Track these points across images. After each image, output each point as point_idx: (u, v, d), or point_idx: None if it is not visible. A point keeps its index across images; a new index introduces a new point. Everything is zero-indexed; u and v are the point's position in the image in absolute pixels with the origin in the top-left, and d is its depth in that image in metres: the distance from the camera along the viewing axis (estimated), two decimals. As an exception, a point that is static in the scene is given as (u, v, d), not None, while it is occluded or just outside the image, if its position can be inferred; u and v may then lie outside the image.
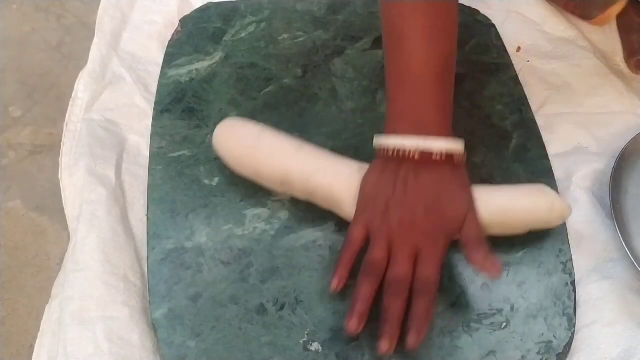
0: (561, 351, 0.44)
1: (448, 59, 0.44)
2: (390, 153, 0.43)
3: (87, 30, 0.65)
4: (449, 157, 0.42)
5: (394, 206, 0.42)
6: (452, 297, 0.46)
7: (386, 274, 0.41)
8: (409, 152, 0.42)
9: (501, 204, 0.45)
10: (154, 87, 0.59)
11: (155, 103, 0.57)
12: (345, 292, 0.46)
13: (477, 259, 0.41)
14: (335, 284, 0.42)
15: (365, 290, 0.41)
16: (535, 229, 0.48)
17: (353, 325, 0.40)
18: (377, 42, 0.62)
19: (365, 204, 0.43)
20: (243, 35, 0.62)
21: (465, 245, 0.42)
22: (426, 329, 0.40)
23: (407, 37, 0.42)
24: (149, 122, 0.56)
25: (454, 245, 0.45)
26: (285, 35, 0.62)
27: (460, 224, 0.42)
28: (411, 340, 0.40)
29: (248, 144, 0.48)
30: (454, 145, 0.42)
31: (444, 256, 0.42)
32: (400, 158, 0.42)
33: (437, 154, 0.42)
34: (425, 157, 0.42)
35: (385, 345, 0.40)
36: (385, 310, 0.40)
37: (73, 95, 0.59)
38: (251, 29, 0.63)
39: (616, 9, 0.65)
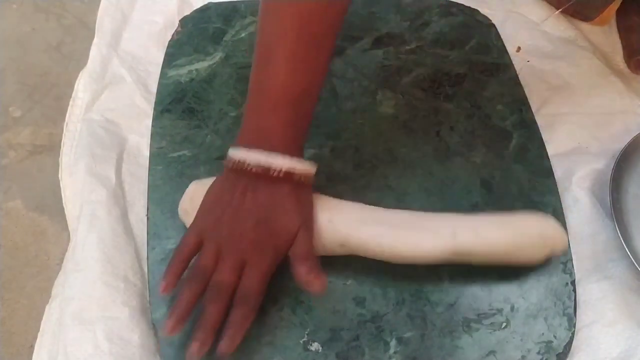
0: (561, 351, 0.44)
1: (308, 89, 0.44)
2: (231, 165, 0.43)
3: (87, 30, 0.65)
4: (288, 175, 0.42)
5: (227, 217, 0.42)
6: (452, 297, 0.46)
7: (210, 280, 0.42)
8: (248, 165, 0.42)
9: (493, 247, 0.45)
10: (154, 87, 0.59)
11: (155, 103, 0.57)
12: (345, 292, 0.46)
13: (300, 272, 0.42)
14: (163, 287, 0.42)
15: (186, 294, 0.41)
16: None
17: (168, 326, 0.40)
18: (377, 42, 0.62)
19: (202, 213, 0.44)
20: (243, 35, 0.62)
21: (292, 261, 0.42)
22: (239, 338, 0.40)
23: (272, 60, 0.43)
24: (149, 122, 0.56)
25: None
26: (285, 35, 0.62)
27: (290, 241, 0.42)
28: (222, 346, 0.40)
29: None
30: (296, 165, 0.43)
31: (269, 270, 0.42)
32: (241, 171, 0.43)
33: (274, 171, 0.42)
34: (263, 172, 0.42)
35: (194, 349, 0.39)
36: (202, 315, 0.40)
37: (73, 95, 0.59)
38: (251, 29, 0.63)
39: (614, 7, 0.65)
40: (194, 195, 0.46)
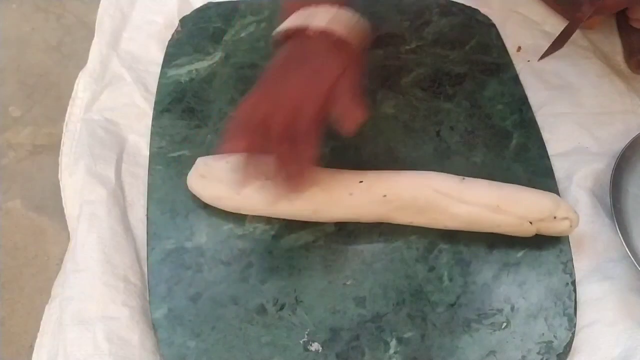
0: (561, 351, 0.44)
1: None
2: (279, 37, 0.47)
3: (87, 30, 0.65)
4: (325, 33, 0.45)
5: (277, 73, 0.45)
6: (452, 297, 0.46)
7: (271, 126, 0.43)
8: (289, 30, 0.45)
9: (504, 196, 0.47)
10: (154, 87, 0.59)
11: (155, 103, 0.57)
12: (345, 292, 0.46)
13: (343, 102, 0.44)
14: (228, 146, 0.43)
15: (246, 139, 0.42)
16: (540, 230, 0.48)
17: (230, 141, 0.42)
18: (377, 42, 0.62)
19: (262, 80, 0.46)
20: (243, 35, 0.62)
21: (337, 97, 0.44)
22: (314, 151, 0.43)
23: None
24: (149, 122, 0.56)
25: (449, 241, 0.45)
26: (285, 35, 0.62)
27: (332, 83, 0.44)
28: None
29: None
30: (336, 19, 0.46)
31: (319, 108, 0.44)
32: (286, 38, 0.46)
33: (312, 30, 0.45)
34: (311, 32, 0.45)
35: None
36: (274, 153, 0.42)
37: (73, 95, 0.59)
38: (251, 28, 0.63)
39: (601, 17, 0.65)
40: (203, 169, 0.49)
